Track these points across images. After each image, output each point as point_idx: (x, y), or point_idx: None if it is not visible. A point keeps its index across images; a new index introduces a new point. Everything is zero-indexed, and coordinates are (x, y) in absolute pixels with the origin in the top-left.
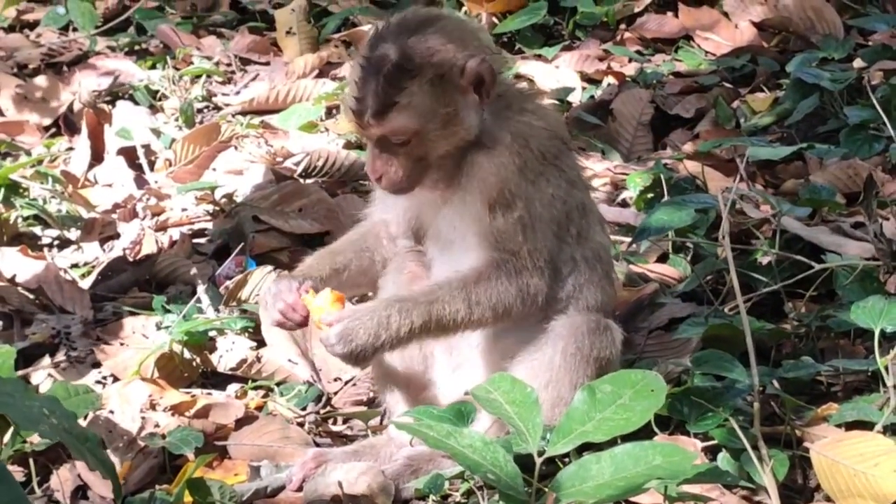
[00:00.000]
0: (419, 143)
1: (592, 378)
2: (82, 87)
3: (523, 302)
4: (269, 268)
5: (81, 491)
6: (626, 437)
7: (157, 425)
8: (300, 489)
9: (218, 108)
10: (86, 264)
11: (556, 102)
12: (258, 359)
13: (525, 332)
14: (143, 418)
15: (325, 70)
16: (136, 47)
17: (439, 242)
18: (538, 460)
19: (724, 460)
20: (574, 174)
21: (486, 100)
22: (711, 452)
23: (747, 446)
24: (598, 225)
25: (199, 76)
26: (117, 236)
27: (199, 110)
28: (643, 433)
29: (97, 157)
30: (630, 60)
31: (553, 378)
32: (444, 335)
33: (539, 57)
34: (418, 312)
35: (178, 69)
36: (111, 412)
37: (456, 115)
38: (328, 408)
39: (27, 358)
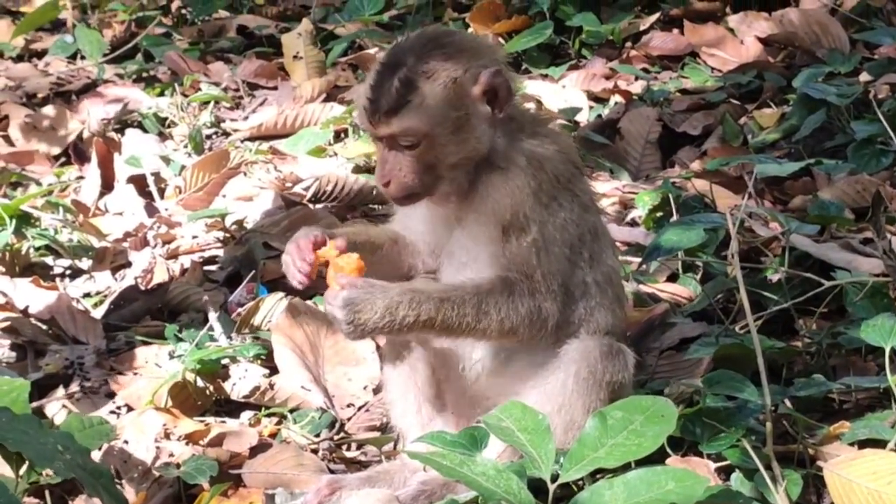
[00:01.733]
0: (429, 147)
1: (605, 402)
2: (91, 115)
3: (531, 323)
4: (281, 294)
5: None
6: (639, 461)
7: (171, 454)
8: None
9: (226, 134)
10: (98, 293)
11: (565, 123)
12: (271, 386)
13: (537, 355)
14: (157, 448)
15: (332, 94)
16: (144, 74)
17: (453, 265)
18: (551, 487)
19: (737, 480)
20: (587, 198)
21: (499, 114)
22: (725, 473)
23: (760, 466)
24: (610, 248)
25: (207, 102)
26: (129, 265)
27: (208, 136)
28: (656, 455)
29: (107, 185)
30: (636, 78)
31: (566, 402)
32: (447, 336)
33: (546, 77)
34: (427, 307)
35: (186, 96)
36: (126, 442)
37: (467, 121)
38: (342, 434)
39: (41, 389)
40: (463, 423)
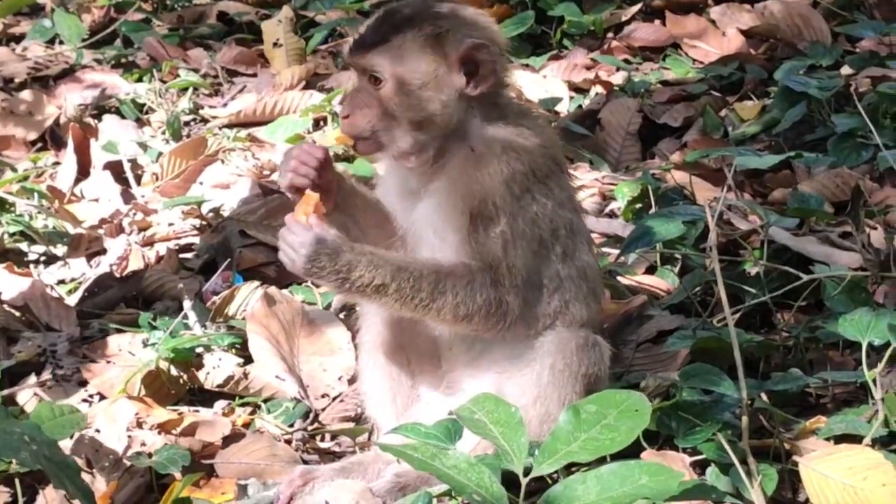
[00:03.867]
0: (393, 92)
1: (581, 395)
2: (68, 100)
3: (488, 315)
4: (256, 283)
5: None
6: (613, 454)
7: (143, 444)
8: None
9: (205, 121)
10: (72, 280)
11: (545, 113)
12: (245, 375)
13: (513, 347)
14: (129, 437)
15: (312, 82)
16: (123, 60)
17: (423, 246)
18: (524, 480)
19: (712, 475)
20: (563, 195)
21: (473, 89)
22: (700, 467)
23: (735, 461)
24: (585, 245)
25: (185, 89)
26: (104, 252)
27: (186, 123)
28: (631, 448)
29: (83, 171)
30: (618, 69)
31: (541, 394)
32: (399, 309)
33: (527, 66)
34: (383, 272)
35: (164, 82)
36: (97, 431)
37: (435, 80)
38: (316, 424)
39: (13, 377)
40: (437, 413)
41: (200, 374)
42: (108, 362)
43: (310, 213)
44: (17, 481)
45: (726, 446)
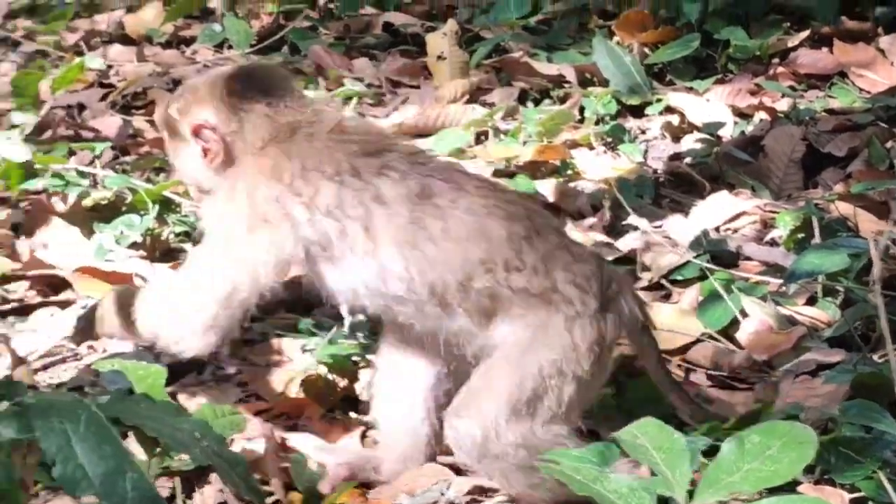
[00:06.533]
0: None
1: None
2: None
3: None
4: None
5: None
6: (770, 487)
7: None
8: None
9: None
10: None
11: (708, 137)
12: None
13: None
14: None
15: (474, 95)
16: (290, 67)
17: None
18: None
19: None
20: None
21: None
22: None
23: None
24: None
25: (350, 98)
26: None
27: None
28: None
29: None
30: (783, 96)
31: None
32: None
33: (690, 90)
34: None
35: (329, 90)
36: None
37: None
38: None
39: (174, 374)
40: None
41: (357, 386)
42: (268, 366)
43: None
44: (177, 479)
45: (886, 485)
